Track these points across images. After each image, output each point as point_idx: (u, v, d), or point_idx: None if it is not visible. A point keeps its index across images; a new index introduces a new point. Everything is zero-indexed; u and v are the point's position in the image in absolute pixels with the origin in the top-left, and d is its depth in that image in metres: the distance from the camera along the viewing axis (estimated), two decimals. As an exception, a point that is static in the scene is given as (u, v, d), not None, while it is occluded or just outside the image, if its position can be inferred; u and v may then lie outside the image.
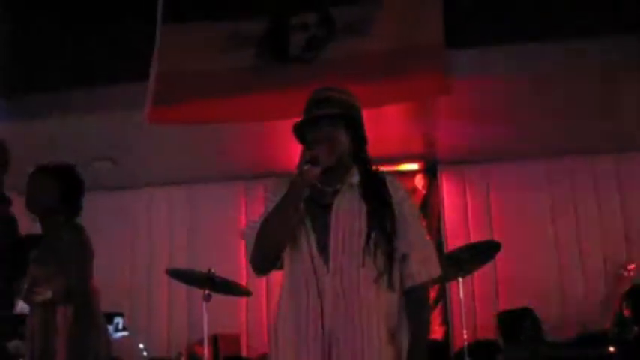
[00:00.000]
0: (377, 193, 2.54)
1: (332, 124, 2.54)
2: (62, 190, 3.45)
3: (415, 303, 2.54)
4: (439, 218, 6.64)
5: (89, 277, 3.36)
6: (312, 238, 2.50)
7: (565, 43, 4.70)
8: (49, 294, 3.24)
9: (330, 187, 2.55)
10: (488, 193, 6.63)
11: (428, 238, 2.63)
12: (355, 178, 2.57)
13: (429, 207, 6.65)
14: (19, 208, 3.52)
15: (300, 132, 2.61)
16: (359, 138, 2.62)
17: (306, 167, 2.42)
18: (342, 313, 2.42)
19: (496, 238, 5.87)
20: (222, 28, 4.90)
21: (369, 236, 2.46)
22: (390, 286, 2.49)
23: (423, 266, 2.54)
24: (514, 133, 5.93)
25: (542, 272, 6.25)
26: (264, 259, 2.55)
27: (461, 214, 6.65)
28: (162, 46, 4.92)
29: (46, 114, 5.36)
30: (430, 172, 6.77)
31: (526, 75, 4.91)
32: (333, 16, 4.69)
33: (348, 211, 2.51)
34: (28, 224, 3.60)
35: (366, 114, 4.68)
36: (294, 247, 2.53)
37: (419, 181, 6.72)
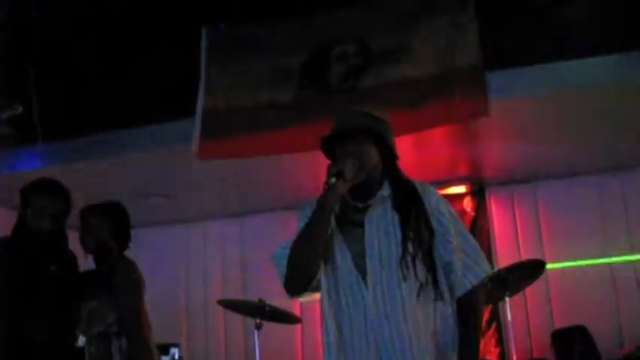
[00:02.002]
0: (409, 202, 2.46)
1: (356, 140, 2.49)
2: (112, 226, 3.59)
3: (465, 309, 2.44)
4: (489, 239, 6.62)
5: (142, 311, 3.46)
6: (349, 256, 2.44)
7: (609, 59, 4.68)
8: (103, 327, 3.36)
9: (362, 203, 2.49)
10: (537, 212, 6.58)
11: (470, 238, 2.53)
12: (386, 191, 2.50)
13: (478, 229, 6.64)
14: (73, 245, 3.67)
15: (330, 150, 2.57)
16: (388, 152, 2.56)
17: (332, 181, 2.36)
18: (387, 332, 2.35)
19: (547, 257, 5.86)
20: (265, 62, 5.01)
21: (404, 248, 2.38)
22: (438, 297, 2.40)
23: (468, 271, 2.45)
24: (561, 151, 5.90)
25: (596, 290, 6.16)
26: (296, 280, 2.47)
27: (511, 234, 6.61)
28: (207, 83, 5.05)
29: (99, 153, 5.52)
30: (478, 193, 6.78)
31: (571, 93, 4.88)
32: (371, 45, 4.77)
33: (382, 225, 2.44)
34: (80, 260, 3.73)
35: (410, 138, 4.79)
36: (330, 267, 2.47)
37: (467, 204, 6.72)
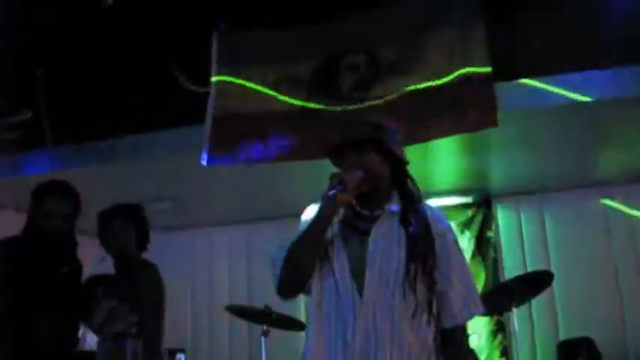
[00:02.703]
0: (417, 223, 2.43)
1: (359, 151, 2.47)
2: (136, 228, 3.62)
3: (455, 344, 2.43)
4: (495, 250, 6.63)
5: (162, 317, 3.49)
6: (347, 265, 2.41)
7: (614, 72, 4.69)
8: (121, 328, 3.38)
9: (369, 212, 2.47)
10: (543, 223, 6.59)
11: (469, 272, 2.52)
12: (395, 205, 2.48)
13: (485, 240, 6.65)
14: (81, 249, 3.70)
15: (339, 160, 2.56)
16: (395, 160, 2.54)
17: (331, 193, 2.36)
18: (371, 348, 2.31)
19: (553, 268, 5.87)
20: (275, 69, 5.02)
21: (408, 268, 2.35)
22: (429, 321, 2.37)
23: (464, 305, 2.43)
24: (568, 162, 5.91)
25: (602, 301, 6.17)
26: (291, 283, 2.46)
27: (517, 245, 6.63)
28: (217, 90, 5.06)
29: (107, 158, 5.54)
30: (485, 204, 6.80)
31: (578, 105, 4.89)
32: (381, 55, 4.78)
33: (387, 241, 2.41)
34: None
35: (417, 149, 4.78)
36: (325, 271, 2.44)
37: (473, 214, 6.73)
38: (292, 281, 2.46)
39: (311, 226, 2.42)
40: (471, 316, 2.46)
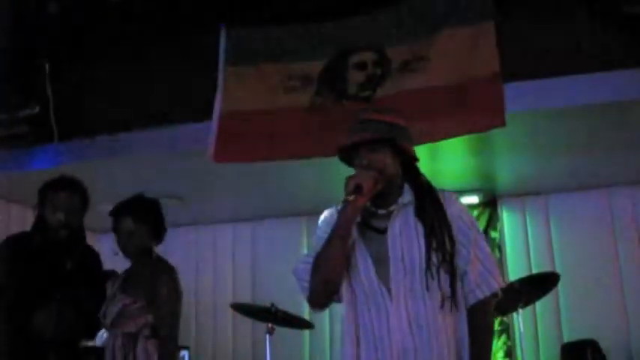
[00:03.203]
0: (431, 210, 2.45)
1: (372, 150, 2.49)
2: (151, 228, 3.61)
3: (477, 322, 2.44)
4: (500, 250, 6.62)
5: (177, 316, 3.47)
6: (371, 265, 2.42)
7: (620, 74, 4.68)
8: (135, 328, 3.36)
9: (384, 209, 2.49)
10: (548, 224, 6.58)
11: (487, 250, 2.53)
12: (407, 197, 2.49)
13: (489, 240, 6.64)
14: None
15: (348, 158, 2.59)
16: (406, 157, 2.56)
17: (351, 197, 2.37)
18: (411, 343, 2.33)
19: (558, 269, 5.86)
20: (283, 68, 5.02)
21: (429, 258, 2.37)
22: (456, 307, 2.40)
23: (482, 281, 2.45)
24: (574, 164, 5.90)
25: (606, 303, 6.15)
26: (322, 295, 2.49)
27: (522, 246, 6.61)
28: (223, 87, 5.05)
29: (113, 153, 5.52)
30: (490, 204, 6.78)
31: (585, 106, 4.88)
32: (390, 55, 4.78)
33: (405, 234, 2.43)
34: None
35: (423, 148, 4.77)
36: (352, 276, 2.45)
37: (479, 214, 6.72)
38: (323, 292, 2.49)
39: (334, 233, 2.43)
40: (490, 292, 2.47)
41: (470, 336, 2.42)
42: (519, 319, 4.63)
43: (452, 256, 2.42)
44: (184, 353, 5.82)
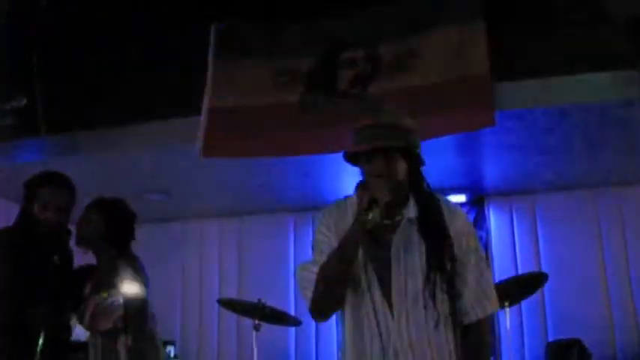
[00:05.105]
0: (435, 229, 2.40)
1: (386, 157, 2.40)
2: (107, 222, 3.57)
3: (472, 339, 2.43)
4: (487, 249, 6.63)
5: (146, 306, 3.45)
6: (374, 279, 2.39)
7: (611, 75, 4.68)
8: (110, 324, 3.34)
9: (389, 220, 2.39)
10: (535, 224, 6.60)
11: (486, 270, 2.49)
12: (412, 211, 2.43)
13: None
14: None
15: (352, 156, 2.49)
16: (416, 163, 2.49)
17: (370, 216, 2.26)
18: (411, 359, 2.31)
19: (544, 268, 5.88)
20: (272, 64, 5.00)
21: (427, 277, 2.34)
22: (454, 327, 2.38)
23: (477, 303, 2.42)
24: (561, 164, 5.92)
25: (591, 303, 6.17)
26: (325, 306, 2.45)
27: (509, 245, 6.62)
28: (213, 82, 5.03)
29: (99, 148, 5.50)
30: (477, 203, 6.79)
31: (575, 107, 4.88)
32: (380, 52, 4.77)
33: (408, 250, 2.38)
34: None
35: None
36: (354, 288, 2.41)
37: (465, 213, 6.71)
38: (329, 303, 2.44)
39: (343, 247, 2.35)
40: (484, 315, 2.44)
41: (466, 353, 2.41)
42: (505, 317, 4.63)
43: (451, 276, 2.39)
44: (170, 348, 5.80)
